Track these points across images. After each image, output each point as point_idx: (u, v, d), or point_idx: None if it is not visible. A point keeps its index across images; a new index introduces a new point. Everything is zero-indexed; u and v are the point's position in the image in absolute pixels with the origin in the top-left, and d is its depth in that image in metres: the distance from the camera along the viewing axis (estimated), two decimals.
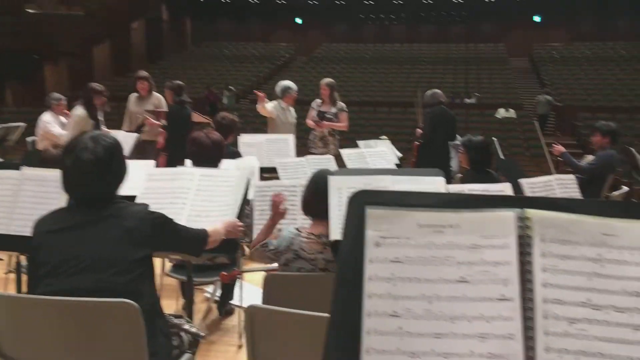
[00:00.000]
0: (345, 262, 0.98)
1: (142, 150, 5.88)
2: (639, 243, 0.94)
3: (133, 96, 6.71)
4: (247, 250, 3.52)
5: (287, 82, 6.61)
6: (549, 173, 7.92)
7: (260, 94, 6.46)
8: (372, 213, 0.99)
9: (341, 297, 0.95)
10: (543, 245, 0.95)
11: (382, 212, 0.99)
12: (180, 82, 6.47)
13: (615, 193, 5.12)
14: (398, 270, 0.96)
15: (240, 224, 2.56)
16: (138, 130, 6.24)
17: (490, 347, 0.90)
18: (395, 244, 0.97)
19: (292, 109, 6.55)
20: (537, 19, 25.43)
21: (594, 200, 0.99)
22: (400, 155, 6.75)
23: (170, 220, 2.05)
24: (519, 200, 0.99)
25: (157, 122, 6.32)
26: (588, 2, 24.40)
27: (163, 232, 1.97)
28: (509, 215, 0.97)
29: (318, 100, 6.52)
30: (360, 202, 1.00)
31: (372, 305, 0.94)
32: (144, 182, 2.82)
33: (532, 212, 0.97)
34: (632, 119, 15.12)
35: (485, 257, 0.96)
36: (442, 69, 21.22)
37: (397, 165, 6.02)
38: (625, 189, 5.39)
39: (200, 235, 2.25)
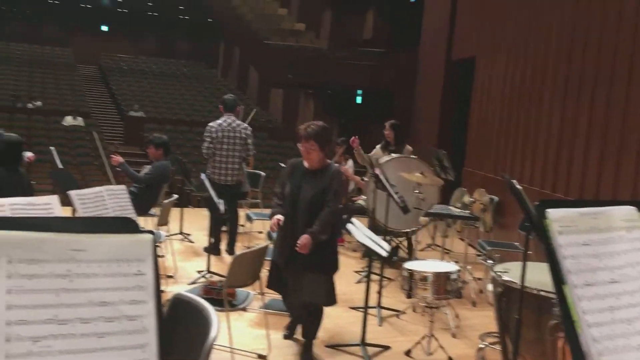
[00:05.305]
0: None
1: None
2: (107, 256, 1.01)
3: None
4: None
5: None
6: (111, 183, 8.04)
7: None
8: None
9: None
10: (10, 267, 0.93)
11: None
12: None
13: (166, 201, 5.52)
14: None
15: None
16: None
17: None
18: None
19: None
20: (104, 28, 25.61)
21: (64, 217, 1.02)
22: None
23: None
24: None
25: None
26: (151, 20, 25.98)
27: None
28: None
29: None
30: None
31: None
32: None
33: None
34: (192, 131, 16.67)
35: None
36: (2, 69, 19.28)
37: None
38: (175, 196, 5.87)
39: None
